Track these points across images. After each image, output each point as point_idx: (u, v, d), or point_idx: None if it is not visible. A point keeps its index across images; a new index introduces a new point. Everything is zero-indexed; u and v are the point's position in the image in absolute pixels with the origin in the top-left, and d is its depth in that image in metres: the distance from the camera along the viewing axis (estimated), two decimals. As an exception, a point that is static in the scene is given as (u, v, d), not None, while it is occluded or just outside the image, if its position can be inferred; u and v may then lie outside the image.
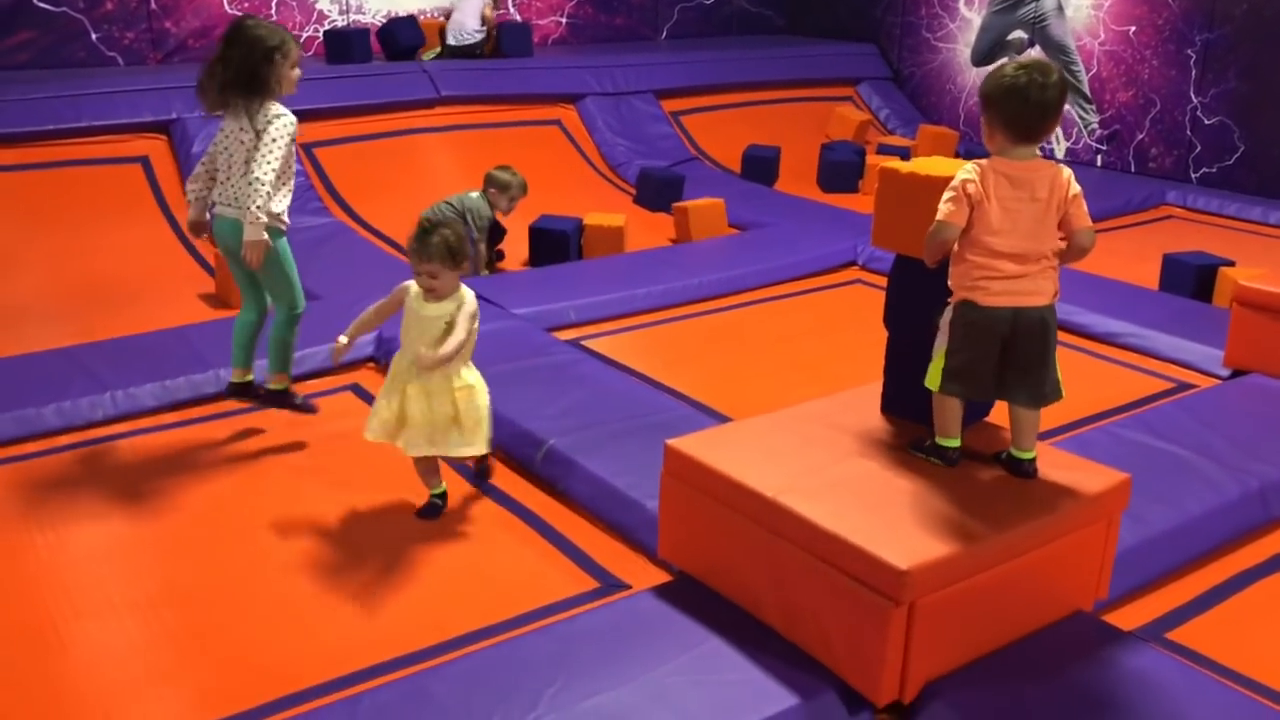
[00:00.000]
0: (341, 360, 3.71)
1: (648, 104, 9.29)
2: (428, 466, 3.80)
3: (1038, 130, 2.90)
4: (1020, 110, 2.87)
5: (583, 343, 5.34)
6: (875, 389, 3.55)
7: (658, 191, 7.82)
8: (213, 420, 4.52)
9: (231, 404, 4.56)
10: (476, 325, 3.72)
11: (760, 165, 8.68)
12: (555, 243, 6.60)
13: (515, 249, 6.77)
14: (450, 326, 3.60)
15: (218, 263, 5.91)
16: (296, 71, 4.18)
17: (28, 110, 7.06)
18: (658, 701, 2.70)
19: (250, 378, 4.42)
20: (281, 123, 4.08)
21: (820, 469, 3.07)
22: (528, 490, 4.02)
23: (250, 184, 3.98)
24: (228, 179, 4.16)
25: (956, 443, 3.11)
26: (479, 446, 3.75)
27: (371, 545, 3.64)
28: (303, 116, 7.66)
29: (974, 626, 2.86)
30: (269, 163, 4.00)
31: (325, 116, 7.89)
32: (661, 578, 3.42)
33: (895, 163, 3.30)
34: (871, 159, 8.64)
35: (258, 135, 4.05)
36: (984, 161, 2.93)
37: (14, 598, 3.29)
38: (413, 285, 3.71)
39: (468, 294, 3.70)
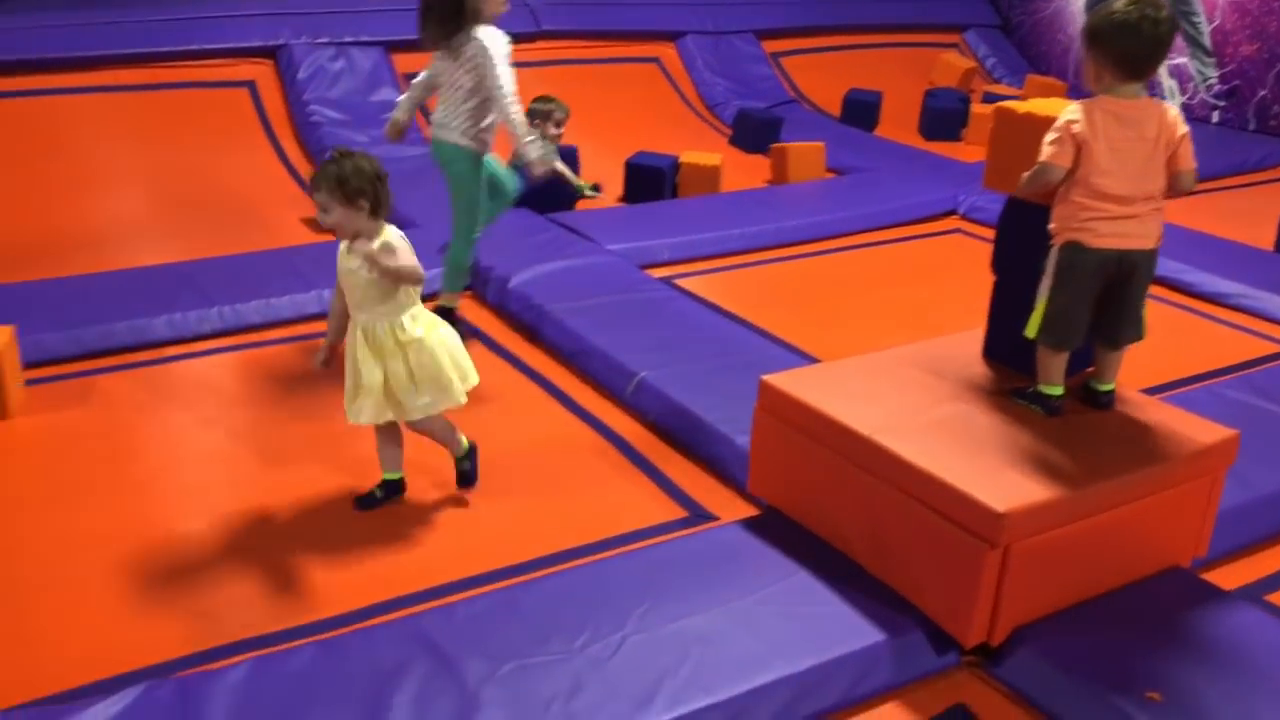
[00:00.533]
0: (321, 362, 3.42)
1: (748, 44, 9.17)
2: (388, 439, 3.40)
3: (1147, 67, 2.83)
4: (1132, 46, 2.79)
5: (675, 281, 5.33)
6: (976, 335, 3.50)
7: (755, 133, 7.74)
8: (316, 339, 4.62)
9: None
10: (409, 259, 3.15)
11: (861, 110, 8.53)
12: (650, 179, 6.58)
13: (611, 185, 6.76)
14: (379, 271, 3.12)
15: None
16: None
17: (141, 33, 7.23)
18: (745, 628, 2.73)
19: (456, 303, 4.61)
20: (496, 40, 4.16)
21: (918, 410, 3.05)
22: (619, 419, 4.06)
23: (503, 111, 4.14)
24: (445, 102, 4.30)
25: (1060, 390, 3.06)
26: (444, 401, 3.29)
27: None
28: (402, 47, 7.82)
29: (1068, 574, 2.83)
30: (508, 82, 4.11)
31: (425, 48, 7.92)
32: (748, 511, 3.44)
33: (1012, 103, 3.22)
34: (976, 108, 8.43)
35: (468, 61, 4.15)
36: (1089, 101, 2.86)
37: (125, 496, 3.44)
38: (342, 244, 3.26)
39: (389, 231, 3.18)
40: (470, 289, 5.17)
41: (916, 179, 6.92)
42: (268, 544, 3.24)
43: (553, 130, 6.18)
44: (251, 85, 7.35)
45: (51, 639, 2.81)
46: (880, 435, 2.89)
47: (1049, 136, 2.85)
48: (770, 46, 9.30)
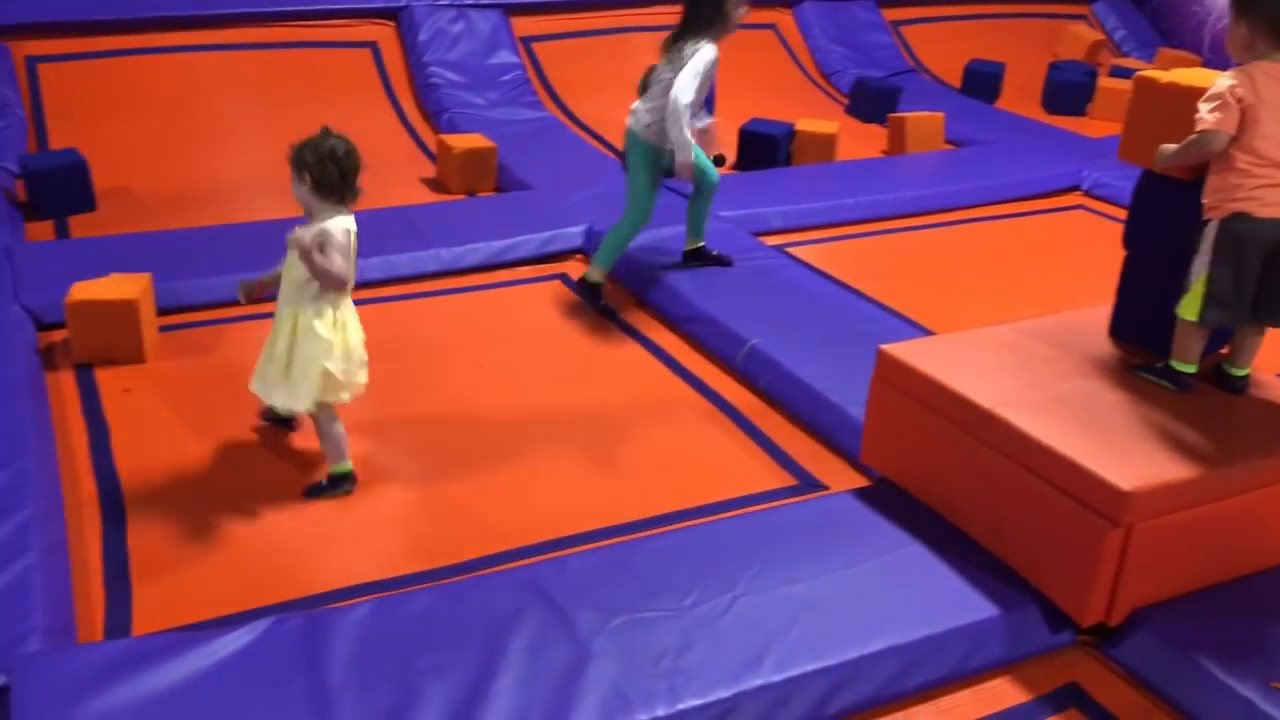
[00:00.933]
0: None
1: (868, 11, 9.00)
2: (325, 423, 3.25)
3: None
4: None
5: (787, 249, 5.30)
6: (1101, 312, 3.41)
7: (872, 102, 7.62)
8: (434, 296, 4.72)
9: (448, 282, 4.77)
10: (336, 263, 3.09)
11: (982, 81, 8.32)
12: (765, 147, 6.53)
13: (725, 151, 6.72)
14: (301, 256, 3.09)
15: (440, 150, 6.10)
16: (741, 10, 4.36)
17: (268, -8, 7.41)
18: (856, 595, 2.73)
19: (701, 244, 4.81)
20: (703, 54, 4.26)
21: (1041, 385, 2.99)
22: (728, 385, 4.07)
23: (669, 111, 4.27)
24: (648, 95, 4.48)
25: (1193, 368, 2.97)
26: (297, 403, 3.18)
27: (581, 422, 3.77)
28: (521, 10, 7.87)
29: (1192, 558, 2.76)
30: (685, 91, 4.24)
31: (543, 11, 7.99)
32: (858, 481, 3.42)
33: (1153, 72, 3.12)
34: (1104, 81, 8.15)
35: (680, 63, 4.28)
36: (1247, 66, 2.75)
37: (248, 440, 3.57)
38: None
39: (332, 225, 3.12)
40: (581, 252, 5.21)
41: (1038, 153, 6.74)
42: (384, 492, 3.34)
43: None
44: (374, 46, 7.48)
45: (190, 572, 2.95)
46: (1002, 409, 2.85)
47: (1207, 105, 2.75)
48: (890, 15, 9.12)
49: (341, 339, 3.18)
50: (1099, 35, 9.50)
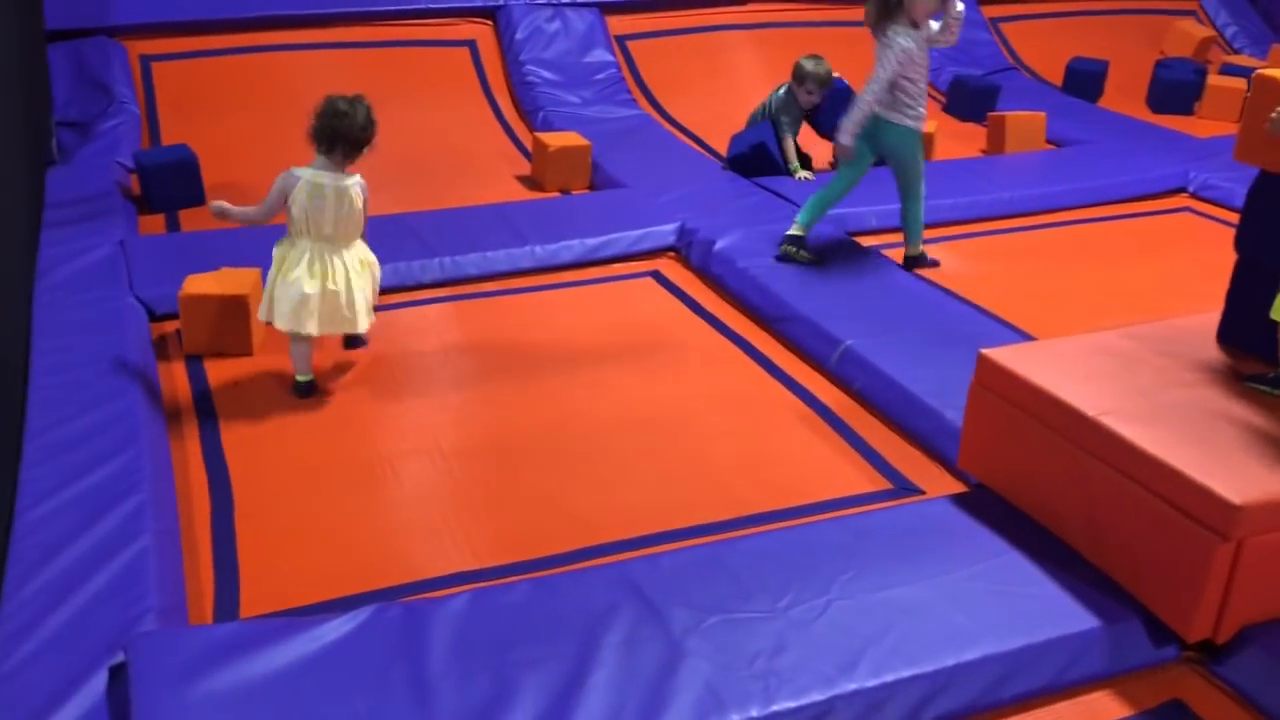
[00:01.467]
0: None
1: (967, 8, 8.81)
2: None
3: None
4: None
5: (883, 250, 5.25)
6: (1210, 318, 3.32)
7: (971, 100, 7.49)
8: (529, 292, 4.78)
9: (548, 278, 4.82)
10: (290, 201, 3.67)
11: (1084, 79, 8.12)
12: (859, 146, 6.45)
13: (820, 150, 6.68)
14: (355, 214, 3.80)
15: (535, 148, 6.17)
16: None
17: (371, -8, 7.56)
18: (952, 603, 2.70)
19: (920, 250, 5.03)
20: (896, 42, 4.51)
21: (1147, 393, 2.92)
22: (823, 386, 4.05)
23: (861, 92, 4.61)
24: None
25: (1306, 379, 2.87)
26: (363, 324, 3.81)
27: (672, 419, 3.79)
28: (616, 8, 7.91)
29: (1307, 576, 2.67)
30: (872, 81, 4.56)
31: (638, 9, 8.02)
32: (955, 487, 3.38)
33: (1273, 70, 3.02)
34: (1213, 79, 7.89)
35: (882, 50, 4.56)
36: None
37: (353, 432, 3.66)
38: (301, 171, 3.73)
39: (299, 169, 3.72)
40: (673, 250, 5.23)
41: (1143, 153, 6.56)
42: (482, 485, 3.40)
43: (805, 95, 6.07)
44: (472, 44, 7.59)
45: (294, 557, 3.04)
46: (1107, 417, 2.79)
47: None
48: (990, 12, 8.95)
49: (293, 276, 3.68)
50: (1208, 31, 9.20)
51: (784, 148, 6.07)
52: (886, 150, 4.82)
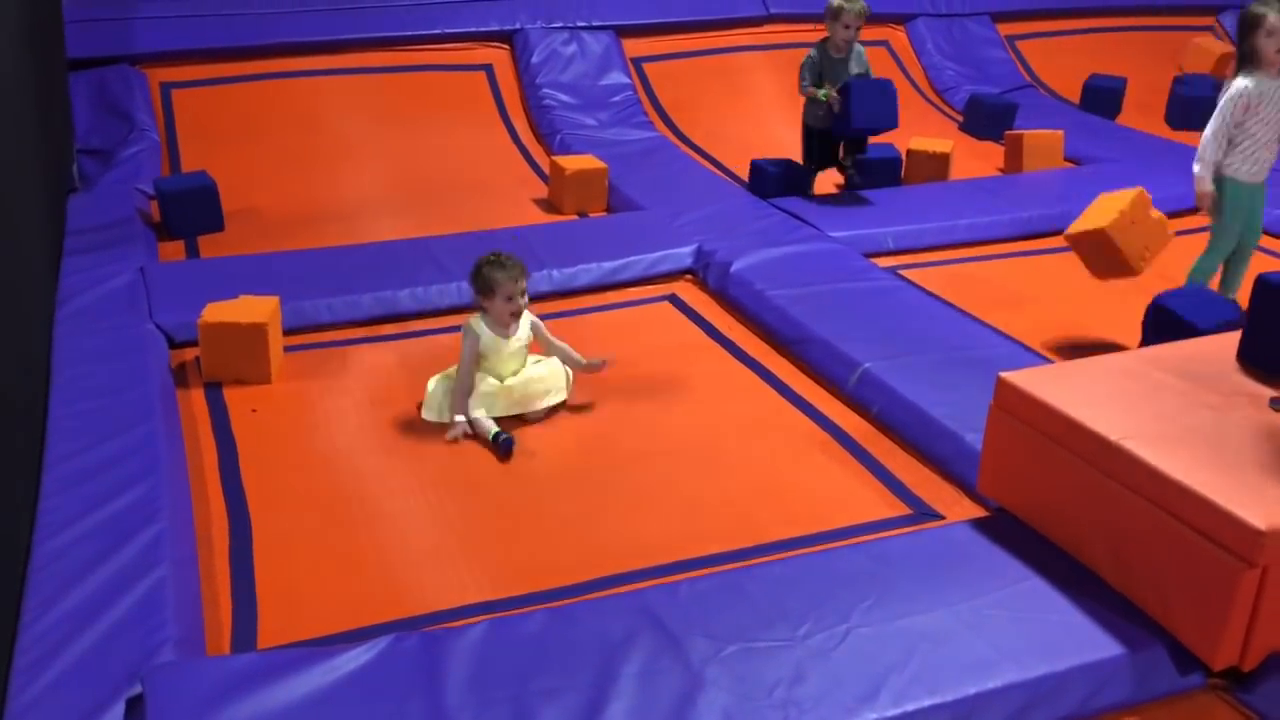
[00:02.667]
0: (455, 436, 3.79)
1: (983, 27, 8.85)
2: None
3: None
4: None
5: (900, 271, 5.23)
6: (1232, 339, 3.29)
7: (988, 119, 7.47)
8: (546, 319, 4.75)
9: (565, 304, 4.82)
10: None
11: (1102, 96, 8.10)
12: (876, 166, 6.45)
13: (834, 173, 6.68)
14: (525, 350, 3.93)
15: (552, 171, 6.19)
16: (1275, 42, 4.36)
17: (385, 18, 7.61)
18: (973, 630, 2.67)
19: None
20: (1230, 91, 4.48)
21: (1170, 417, 2.89)
22: (840, 411, 4.03)
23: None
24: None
25: (1333, 402, 2.84)
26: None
27: (689, 446, 3.78)
28: (633, 31, 7.94)
29: (1335, 603, 2.63)
30: (1210, 123, 4.52)
31: (654, 32, 8.05)
32: (975, 511, 3.35)
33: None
34: (1232, 95, 7.85)
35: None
36: None
37: (356, 467, 3.64)
38: (479, 327, 3.85)
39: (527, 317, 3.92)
40: (690, 272, 5.22)
41: (1163, 171, 6.50)
42: (497, 512, 3.39)
43: (842, 32, 5.82)
44: (489, 69, 7.63)
45: (313, 587, 3.04)
46: (1129, 441, 2.76)
47: None
48: (1006, 29, 8.95)
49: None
50: (1227, 47, 9.14)
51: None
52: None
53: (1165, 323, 4.11)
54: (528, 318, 3.92)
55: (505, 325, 3.86)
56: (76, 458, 3.36)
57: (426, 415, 3.88)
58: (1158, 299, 4.26)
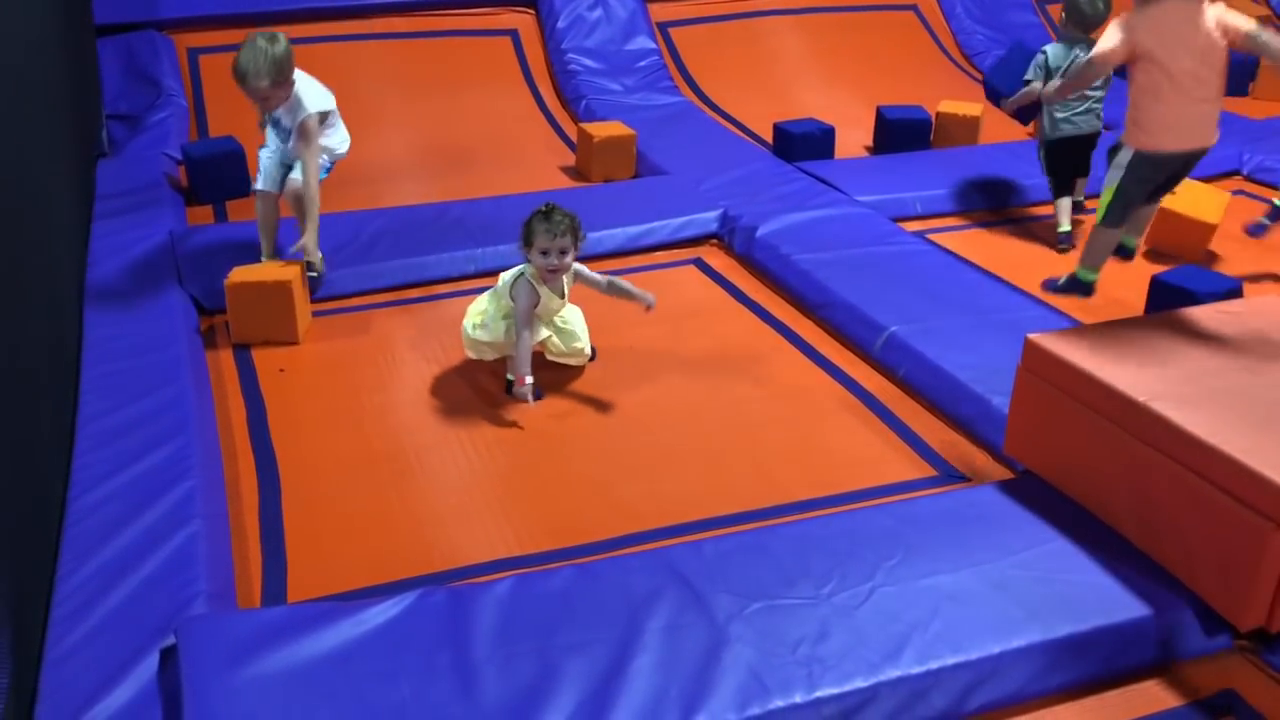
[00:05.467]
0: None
1: (1013, -10, 8.73)
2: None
3: None
4: None
5: (928, 235, 5.19)
6: (1265, 302, 3.26)
7: (1019, 84, 7.36)
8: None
9: (591, 266, 4.77)
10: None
11: (1134, 61, 7.97)
12: (904, 130, 6.40)
13: (862, 136, 6.64)
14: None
15: (580, 138, 6.16)
16: None
17: (414, -17, 7.60)
18: (999, 590, 2.67)
19: None
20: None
21: (1200, 377, 2.87)
22: (866, 373, 4.02)
23: None
24: None
25: (1367, 365, 2.80)
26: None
27: (715, 407, 3.78)
28: (661, -6, 7.86)
29: (1365, 564, 2.61)
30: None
31: (681, -5, 8.00)
32: (1001, 473, 3.35)
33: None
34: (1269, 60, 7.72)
35: None
36: None
37: (383, 424, 3.68)
38: (535, 280, 3.69)
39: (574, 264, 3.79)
40: (716, 237, 5.21)
41: (1195, 135, 6.42)
42: (525, 472, 3.41)
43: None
44: (514, 34, 7.60)
45: (340, 542, 3.07)
46: (1157, 402, 2.74)
47: None
48: (1036, -9, 8.83)
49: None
50: (1264, 10, 8.99)
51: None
52: None
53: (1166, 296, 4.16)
54: (574, 268, 3.77)
55: (543, 281, 3.70)
56: (108, 416, 3.40)
57: (469, 352, 3.89)
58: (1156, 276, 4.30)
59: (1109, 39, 4.16)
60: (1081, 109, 5.27)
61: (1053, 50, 5.35)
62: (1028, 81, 5.35)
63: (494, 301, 3.84)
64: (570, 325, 3.93)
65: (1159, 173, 4.25)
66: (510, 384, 3.78)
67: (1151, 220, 4.84)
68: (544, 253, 3.64)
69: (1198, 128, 4.13)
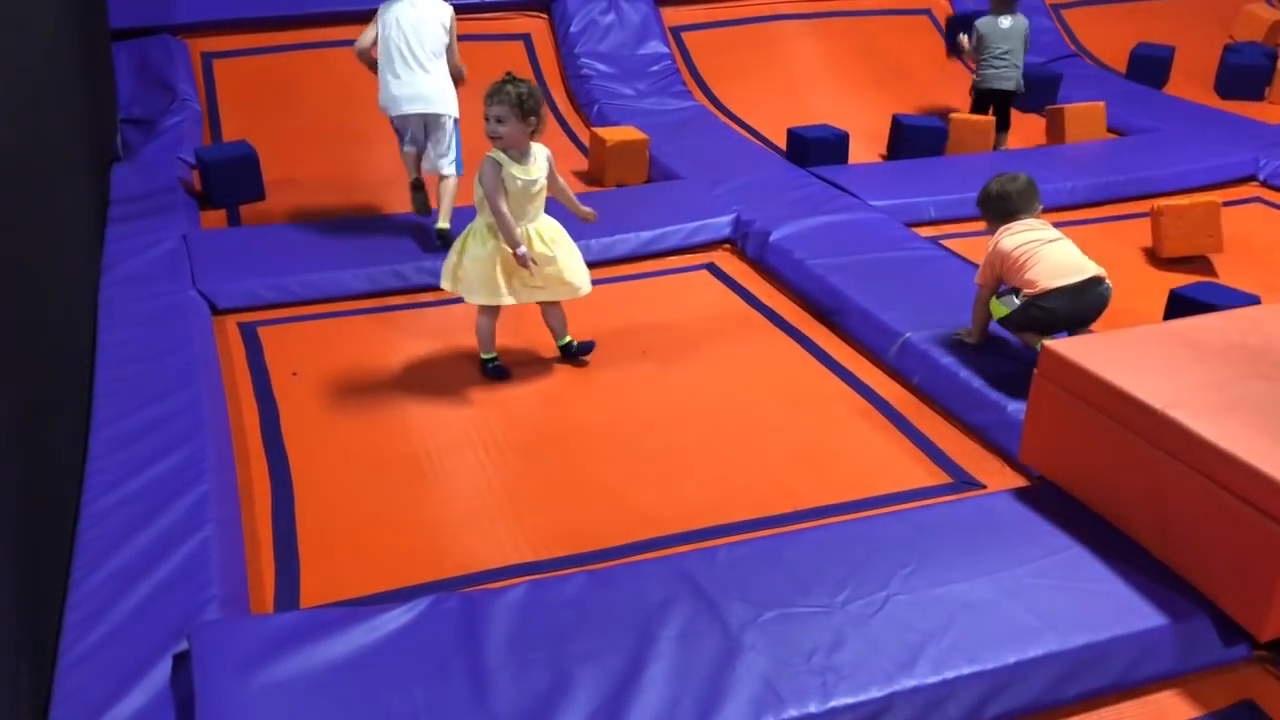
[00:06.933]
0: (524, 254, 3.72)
1: (1026, -5, 8.69)
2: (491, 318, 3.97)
3: None
4: None
5: (942, 241, 5.17)
6: (1283, 310, 3.23)
7: (1031, 90, 7.33)
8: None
9: (604, 272, 4.82)
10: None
11: (1149, 65, 7.94)
12: (918, 136, 6.39)
13: (875, 141, 6.63)
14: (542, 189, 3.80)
15: (593, 143, 6.16)
16: None
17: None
18: (1015, 599, 2.65)
19: None
20: None
21: (1218, 386, 2.85)
22: (880, 380, 4.00)
23: None
24: None
25: (1388, 373, 2.78)
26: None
27: (729, 413, 3.77)
28: (673, 0, 7.87)
29: (1385, 575, 2.58)
30: None
31: (693, 1, 7.98)
32: (1016, 481, 3.33)
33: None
34: (1285, 63, 7.70)
35: None
36: None
37: (396, 430, 3.67)
38: (500, 158, 3.71)
39: (543, 149, 3.83)
40: (729, 242, 5.20)
41: (1211, 141, 6.40)
42: (538, 478, 3.41)
43: None
44: (527, 38, 7.60)
45: (353, 548, 3.07)
46: (1174, 410, 2.72)
47: None
48: (1051, -1, 8.81)
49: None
50: (1278, 15, 8.96)
51: None
52: None
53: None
54: (543, 152, 3.82)
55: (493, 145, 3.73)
56: (122, 420, 3.40)
57: (443, 284, 3.96)
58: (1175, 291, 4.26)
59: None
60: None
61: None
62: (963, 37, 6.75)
63: (455, 252, 3.90)
64: (554, 250, 3.82)
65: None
66: (485, 364, 3.94)
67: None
68: (486, 119, 3.72)
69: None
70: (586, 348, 4.09)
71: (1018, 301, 3.68)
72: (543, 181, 3.80)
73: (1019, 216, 3.89)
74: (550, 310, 4.04)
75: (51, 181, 3.55)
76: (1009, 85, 6.57)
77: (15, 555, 2.27)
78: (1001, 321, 3.75)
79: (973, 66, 6.84)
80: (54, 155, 3.67)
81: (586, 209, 4.02)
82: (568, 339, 4.09)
